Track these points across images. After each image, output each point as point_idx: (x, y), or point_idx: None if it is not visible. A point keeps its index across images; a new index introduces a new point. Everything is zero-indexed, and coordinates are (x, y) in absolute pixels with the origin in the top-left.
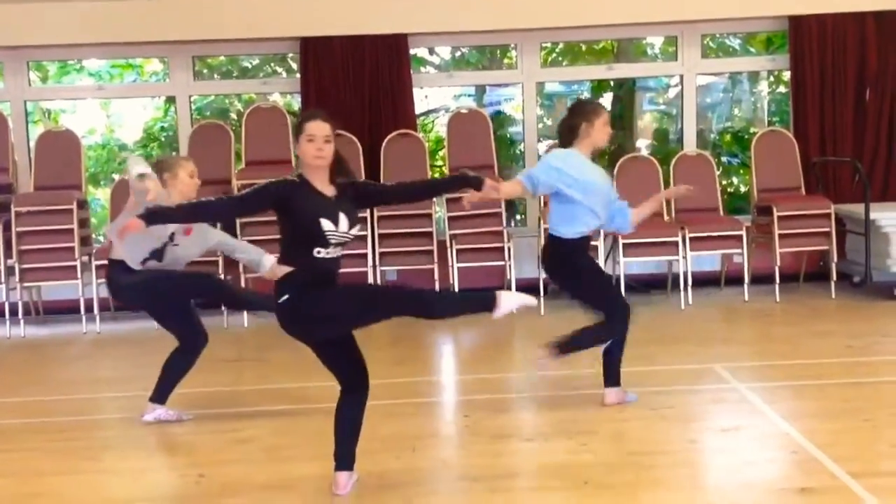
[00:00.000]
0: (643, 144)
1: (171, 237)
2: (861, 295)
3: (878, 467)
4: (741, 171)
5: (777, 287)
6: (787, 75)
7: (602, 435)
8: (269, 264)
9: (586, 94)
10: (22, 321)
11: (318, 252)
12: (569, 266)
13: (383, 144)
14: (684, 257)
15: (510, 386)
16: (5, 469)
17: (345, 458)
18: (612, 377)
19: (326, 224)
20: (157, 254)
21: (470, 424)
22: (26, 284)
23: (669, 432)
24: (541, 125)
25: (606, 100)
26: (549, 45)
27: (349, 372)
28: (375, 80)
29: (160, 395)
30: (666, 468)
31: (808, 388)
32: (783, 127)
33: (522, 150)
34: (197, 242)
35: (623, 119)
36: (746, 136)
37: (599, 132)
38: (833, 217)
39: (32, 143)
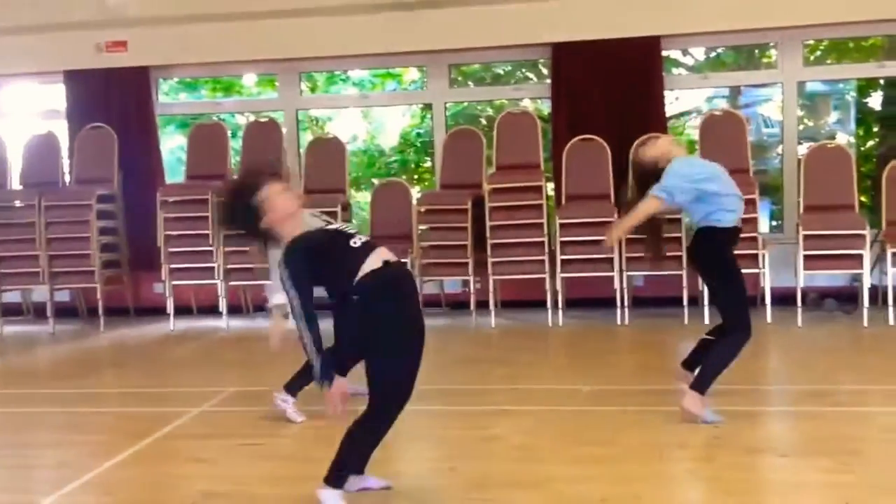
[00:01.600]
0: None
1: None
2: None
3: None
4: None
5: None
6: None
7: (866, 455)
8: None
9: (852, 94)
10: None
11: None
12: (719, 255)
13: (633, 148)
14: None
15: (762, 398)
16: (279, 452)
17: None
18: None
19: None
20: None
21: (720, 436)
22: None
23: None
24: (801, 127)
25: (875, 99)
26: (811, 42)
27: None
28: (626, 83)
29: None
30: None
31: None
32: None
33: (780, 153)
34: None
35: (894, 120)
36: None
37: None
38: None
39: (302, 150)
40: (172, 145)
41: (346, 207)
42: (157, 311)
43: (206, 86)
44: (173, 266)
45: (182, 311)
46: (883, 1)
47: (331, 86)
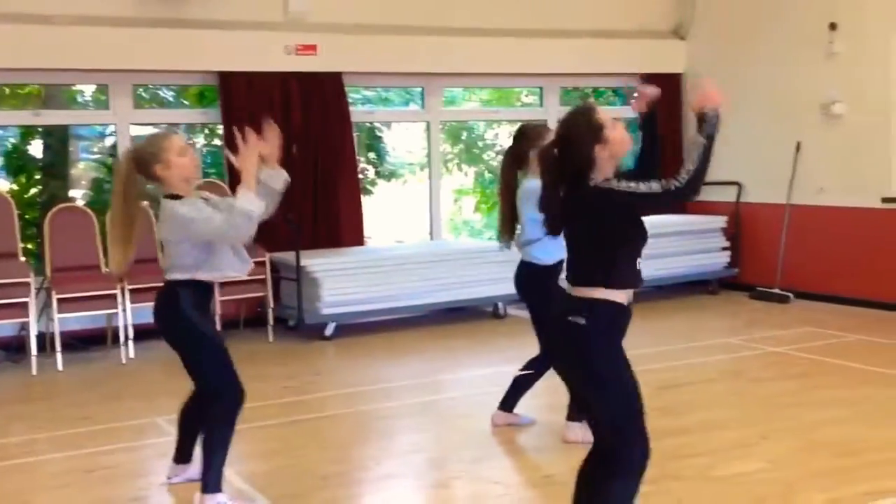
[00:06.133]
0: (79, 194)
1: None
2: (296, 337)
3: (309, 501)
4: None
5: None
6: (220, 128)
7: None
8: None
9: (13, 140)
10: None
11: None
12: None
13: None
14: (124, 310)
15: None
16: None
17: None
18: None
19: None
20: None
21: None
22: None
23: (113, 492)
24: None
25: (36, 147)
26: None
27: None
28: None
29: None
30: None
31: (250, 431)
32: (219, 179)
33: None
34: None
35: (55, 167)
36: None
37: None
38: (268, 265)
39: None
40: None
41: None
42: None
43: None
44: None
45: None
46: (40, 50)
47: None
